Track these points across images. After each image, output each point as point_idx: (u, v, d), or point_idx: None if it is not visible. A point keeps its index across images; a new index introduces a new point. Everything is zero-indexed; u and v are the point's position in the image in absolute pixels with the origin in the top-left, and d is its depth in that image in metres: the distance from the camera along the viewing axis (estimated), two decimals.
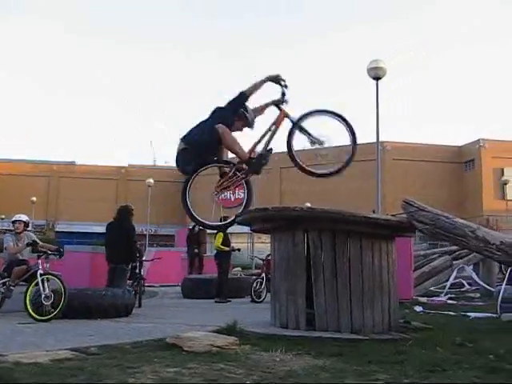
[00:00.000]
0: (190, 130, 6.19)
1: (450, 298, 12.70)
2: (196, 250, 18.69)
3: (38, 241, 9.96)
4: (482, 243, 5.74)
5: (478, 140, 54.02)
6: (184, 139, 6.13)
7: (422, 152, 54.54)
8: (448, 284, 13.45)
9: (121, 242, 10.90)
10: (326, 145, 6.23)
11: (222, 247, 14.08)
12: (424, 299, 12.11)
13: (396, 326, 6.44)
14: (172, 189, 62.07)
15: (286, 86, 6.31)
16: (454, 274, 13.64)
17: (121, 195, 59.23)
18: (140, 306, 11.58)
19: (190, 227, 21.94)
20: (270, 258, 10.60)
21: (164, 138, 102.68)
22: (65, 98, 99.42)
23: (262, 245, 60.33)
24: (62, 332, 6.88)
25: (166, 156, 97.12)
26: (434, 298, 12.34)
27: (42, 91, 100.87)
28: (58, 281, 8.61)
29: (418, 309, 10.21)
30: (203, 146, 6.13)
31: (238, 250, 14.33)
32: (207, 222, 6.73)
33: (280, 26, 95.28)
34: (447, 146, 57.49)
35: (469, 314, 8.98)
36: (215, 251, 14.58)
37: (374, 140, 19.96)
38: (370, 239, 6.23)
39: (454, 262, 14.13)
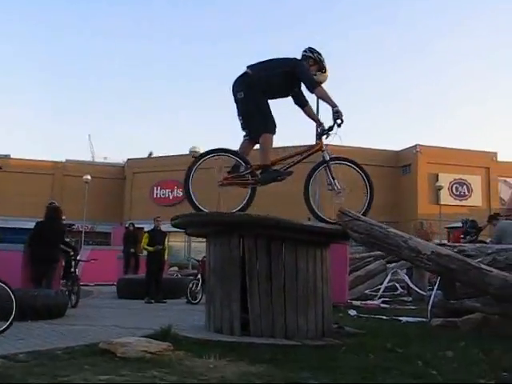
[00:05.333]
0: None
1: (383, 302, 12.94)
2: (132, 250, 18.48)
3: None
4: (414, 253, 5.88)
5: (415, 146, 55.29)
6: None
7: (360, 155, 55.30)
8: (382, 288, 13.71)
9: (52, 241, 10.77)
10: (340, 195, 6.60)
11: (147, 247, 14.20)
12: (358, 303, 12.30)
13: (329, 331, 6.52)
14: (109, 185, 61.37)
15: (339, 126, 6.62)
16: (388, 277, 13.92)
17: (57, 191, 58.02)
18: (75, 306, 11.39)
19: (127, 225, 21.69)
20: (205, 259, 10.61)
21: (103, 133, 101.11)
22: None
23: (199, 244, 60.21)
24: None
25: (105, 152, 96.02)
26: (367, 302, 12.56)
27: None
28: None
29: (352, 313, 10.37)
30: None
31: (163, 249, 14.29)
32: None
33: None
34: (385, 151, 58.66)
35: (400, 318, 9.18)
36: None
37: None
38: (306, 246, 6.29)
39: (389, 266, 14.41)
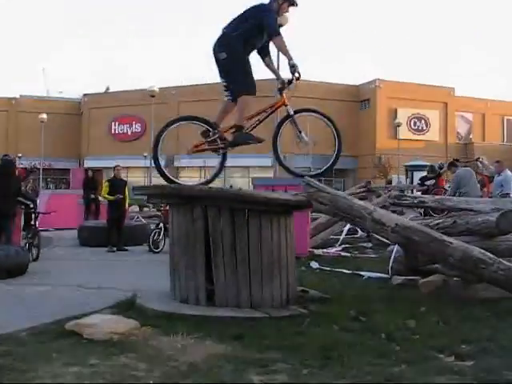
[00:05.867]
0: None
1: (344, 249, 13.15)
2: (92, 196, 18.36)
3: None
4: (378, 225, 5.95)
5: (375, 80, 55.28)
6: None
7: (319, 90, 55.17)
8: (342, 235, 13.89)
9: (7, 196, 10.76)
10: (308, 146, 6.68)
11: (107, 196, 14.31)
12: (320, 251, 12.48)
13: (294, 298, 6.60)
14: (66, 122, 60.16)
15: (297, 79, 6.59)
16: (348, 225, 14.09)
17: (12, 128, 56.74)
18: (36, 259, 11.34)
19: (86, 168, 21.51)
20: (167, 208, 10.59)
21: (59, 67, 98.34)
22: None
23: (160, 180, 59.94)
24: None
25: (60, 87, 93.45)
26: (329, 250, 12.71)
27: None
28: None
29: (315, 265, 10.50)
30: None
31: (122, 198, 14.23)
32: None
33: None
34: (344, 85, 58.48)
35: (362, 273, 9.34)
36: None
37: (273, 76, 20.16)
38: (269, 215, 6.28)
39: None
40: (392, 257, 8.59)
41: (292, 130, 6.81)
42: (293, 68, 6.49)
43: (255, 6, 6.79)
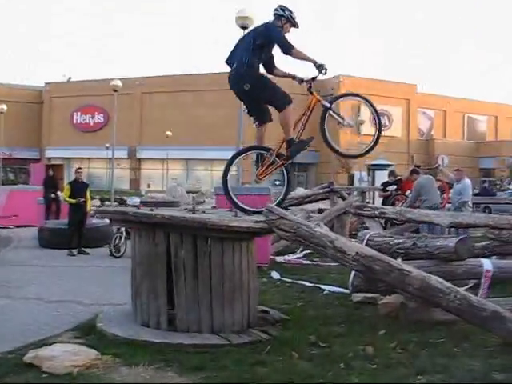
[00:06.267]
0: None
1: (305, 255, 13.22)
2: (53, 195, 18.14)
3: None
4: (339, 253, 6.02)
5: (338, 75, 55.51)
6: None
7: (284, 83, 55.28)
8: None
9: None
10: (353, 127, 6.79)
11: (68, 200, 14.23)
12: (281, 258, 12.56)
13: (255, 321, 6.65)
14: (27, 110, 59.15)
15: (325, 74, 6.85)
16: None
17: None
18: None
19: (47, 165, 21.23)
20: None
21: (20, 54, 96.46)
22: None
23: (122, 171, 59.67)
24: None
25: (22, 74, 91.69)
26: (290, 257, 12.77)
27: None
28: None
29: (276, 276, 10.56)
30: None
31: (84, 201, 14.12)
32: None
33: None
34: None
35: (322, 287, 9.42)
36: None
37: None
38: (231, 241, 6.32)
39: (312, 217, 14.67)
40: (352, 273, 8.66)
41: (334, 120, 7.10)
42: (321, 67, 6.72)
43: (258, 27, 7.09)
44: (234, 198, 7.05)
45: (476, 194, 30.28)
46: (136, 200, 14.39)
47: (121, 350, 5.63)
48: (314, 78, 6.98)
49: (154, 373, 5.13)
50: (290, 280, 10.15)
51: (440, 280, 6.02)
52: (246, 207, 7.08)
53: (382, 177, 29.21)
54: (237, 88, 6.91)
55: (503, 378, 5.18)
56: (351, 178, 52.28)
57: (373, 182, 33.92)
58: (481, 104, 63.72)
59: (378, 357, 5.70)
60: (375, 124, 7.24)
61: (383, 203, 15.55)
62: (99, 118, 58.40)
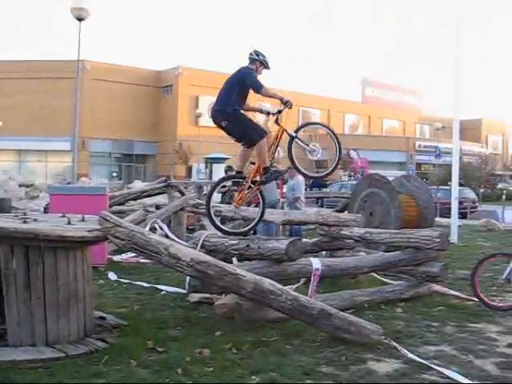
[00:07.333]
0: None
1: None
2: None
3: None
4: (174, 259, 6.12)
5: (177, 67, 55.60)
6: None
7: (123, 74, 54.39)
8: None
9: None
10: (317, 154, 8.01)
11: None
12: (119, 257, 12.41)
13: (91, 328, 6.56)
14: None
15: (290, 108, 7.85)
16: (148, 227, 14.13)
17: None
18: None
19: None
20: None
21: None
22: None
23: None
24: None
25: None
26: (127, 256, 12.64)
27: None
28: None
29: (113, 276, 10.43)
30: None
31: None
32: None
33: None
34: (146, 70, 58.18)
35: (160, 287, 9.47)
36: None
37: (75, 58, 20.04)
38: (65, 250, 6.16)
39: (149, 214, 14.65)
40: None
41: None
42: (287, 103, 7.74)
43: (239, 72, 7.92)
44: (215, 220, 8.28)
45: (310, 186, 31.83)
46: None
47: None
48: (279, 111, 7.88)
49: None
50: (127, 281, 10.09)
51: (273, 283, 6.34)
52: (224, 228, 8.51)
53: (219, 170, 29.79)
54: (218, 123, 7.84)
55: (328, 371, 5.60)
56: (189, 170, 52.70)
57: (210, 176, 34.43)
58: (315, 98, 66.84)
59: (215, 359, 5.86)
60: (335, 150, 8.22)
61: (222, 198, 15.89)
62: None
